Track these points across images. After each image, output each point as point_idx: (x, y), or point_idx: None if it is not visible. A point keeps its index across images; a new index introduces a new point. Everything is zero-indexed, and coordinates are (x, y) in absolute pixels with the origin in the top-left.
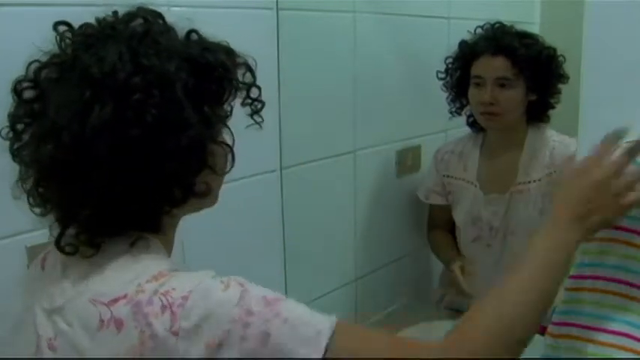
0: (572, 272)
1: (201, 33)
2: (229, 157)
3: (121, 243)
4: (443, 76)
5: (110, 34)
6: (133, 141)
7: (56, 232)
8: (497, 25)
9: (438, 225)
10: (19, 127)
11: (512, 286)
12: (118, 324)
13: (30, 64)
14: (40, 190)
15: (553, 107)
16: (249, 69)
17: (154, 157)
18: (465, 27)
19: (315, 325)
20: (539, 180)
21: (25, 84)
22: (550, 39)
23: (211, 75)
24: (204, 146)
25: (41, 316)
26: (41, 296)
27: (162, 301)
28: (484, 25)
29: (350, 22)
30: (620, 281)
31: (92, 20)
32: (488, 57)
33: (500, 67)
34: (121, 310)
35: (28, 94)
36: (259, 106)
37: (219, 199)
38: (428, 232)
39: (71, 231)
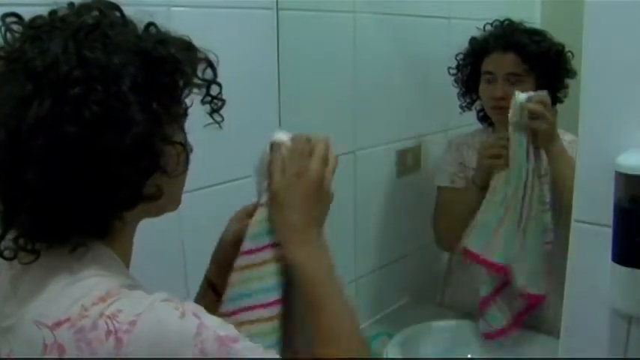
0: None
1: (159, 27)
2: (183, 157)
3: (66, 254)
4: (454, 72)
5: (59, 27)
6: (69, 139)
7: None
8: (506, 22)
9: (451, 212)
10: None
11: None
12: (61, 350)
13: None
14: None
15: (561, 102)
16: (210, 65)
17: (93, 157)
18: (465, 27)
19: None
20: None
21: None
22: None
23: (162, 69)
24: (152, 146)
25: None
26: None
27: (107, 324)
28: (494, 22)
29: (350, 22)
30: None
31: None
32: (499, 53)
33: (511, 63)
34: (64, 335)
35: None
36: (219, 104)
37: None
38: (437, 219)
39: (11, 235)
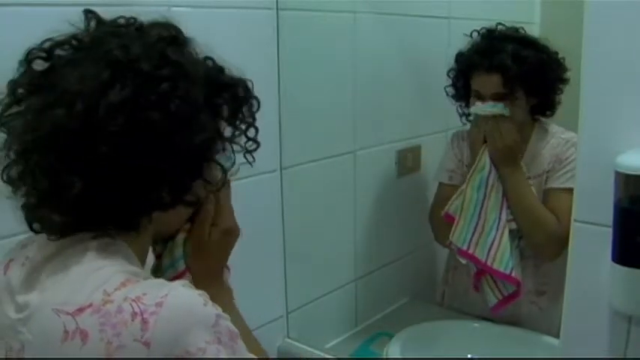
0: None
1: (216, 60)
2: (222, 177)
3: (87, 243)
4: (452, 92)
5: (138, 31)
6: (150, 123)
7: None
8: (494, 32)
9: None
10: (20, 92)
11: None
12: (84, 335)
13: (45, 40)
14: (23, 162)
15: (555, 108)
16: (258, 105)
17: (164, 147)
18: (465, 27)
19: None
20: (539, 176)
21: (39, 53)
22: (550, 39)
23: (227, 93)
24: (209, 155)
25: (8, 327)
26: (8, 306)
27: (132, 307)
28: (481, 29)
29: (350, 22)
30: None
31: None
32: (484, 73)
33: (496, 84)
34: (87, 320)
35: (37, 65)
36: (254, 146)
37: None
38: (434, 214)
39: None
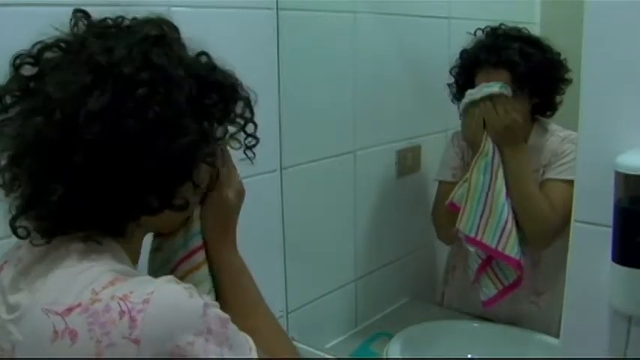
0: None
1: (211, 56)
2: (214, 176)
3: (76, 244)
4: (454, 91)
5: (125, 31)
6: (127, 132)
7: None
8: (499, 30)
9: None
10: (8, 99)
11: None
12: (73, 335)
13: (35, 43)
14: (14, 168)
15: (556, 108)
16: (249, 104)
17: (143, 154)
18: (465, 27)
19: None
20: (536, 171)
21: (26, 59)
22: (550, 39)
23: (216, 93)
24: (195, 159)
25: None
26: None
27: (120, 305)
28: (485, 27)
29: (350, 22)
30: None
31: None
32: (490, 69)
33: (502, 80)
34: (76, 320)
35: (26, 70)
36: (254, 142)
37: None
38: (436, 212)
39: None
